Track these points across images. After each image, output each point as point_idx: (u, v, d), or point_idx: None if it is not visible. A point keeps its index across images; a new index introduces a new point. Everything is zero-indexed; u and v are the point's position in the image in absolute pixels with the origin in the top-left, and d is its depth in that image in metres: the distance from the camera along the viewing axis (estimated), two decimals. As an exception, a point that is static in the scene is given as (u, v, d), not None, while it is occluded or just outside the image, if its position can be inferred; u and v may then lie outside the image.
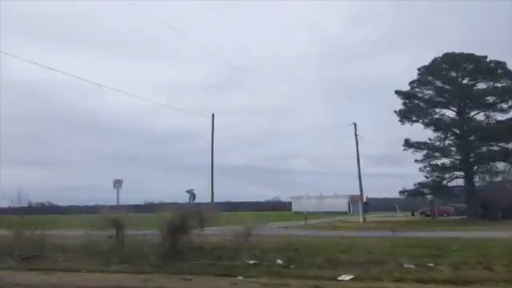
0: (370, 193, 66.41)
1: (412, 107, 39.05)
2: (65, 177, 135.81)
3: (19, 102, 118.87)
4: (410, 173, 46.57)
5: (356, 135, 38.97)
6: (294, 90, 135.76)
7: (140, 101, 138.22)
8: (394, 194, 46.40)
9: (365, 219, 37.09)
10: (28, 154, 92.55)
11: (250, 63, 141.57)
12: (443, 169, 37.61)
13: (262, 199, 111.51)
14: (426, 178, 38.20)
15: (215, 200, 32.34)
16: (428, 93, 39.05)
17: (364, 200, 44.41)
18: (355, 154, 38.76)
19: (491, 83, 37.19)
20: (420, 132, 38.80)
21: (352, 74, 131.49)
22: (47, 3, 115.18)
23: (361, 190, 40.24)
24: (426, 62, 39.15)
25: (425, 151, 38.20)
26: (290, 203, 75.42)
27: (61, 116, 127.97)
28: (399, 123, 38.81)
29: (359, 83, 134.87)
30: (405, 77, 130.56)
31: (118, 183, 36.31)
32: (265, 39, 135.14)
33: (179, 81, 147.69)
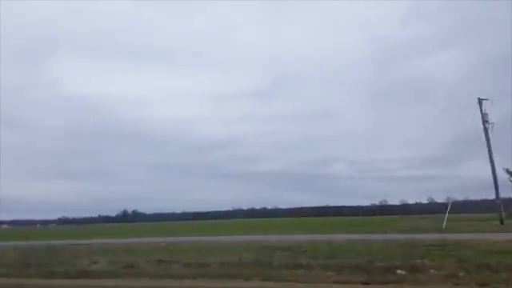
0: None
1: None
2: (110, 187, 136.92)
3: (76, 116, 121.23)
4: None
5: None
6: (343, 92, 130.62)
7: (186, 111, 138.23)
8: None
9: None
10: (81, 166, 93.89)
11: (297, 68, 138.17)
12: None
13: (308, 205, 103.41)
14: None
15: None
16: None
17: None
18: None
19: None
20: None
21: (404, 72, 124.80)
22: (98, 20, 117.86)
23: None
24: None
25: None
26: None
27: (111, 128, 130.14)
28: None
29: (411, 82, 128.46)
30: (457, 75, 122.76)
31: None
32: (314, 42, 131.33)
33: (224, 90, 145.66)
